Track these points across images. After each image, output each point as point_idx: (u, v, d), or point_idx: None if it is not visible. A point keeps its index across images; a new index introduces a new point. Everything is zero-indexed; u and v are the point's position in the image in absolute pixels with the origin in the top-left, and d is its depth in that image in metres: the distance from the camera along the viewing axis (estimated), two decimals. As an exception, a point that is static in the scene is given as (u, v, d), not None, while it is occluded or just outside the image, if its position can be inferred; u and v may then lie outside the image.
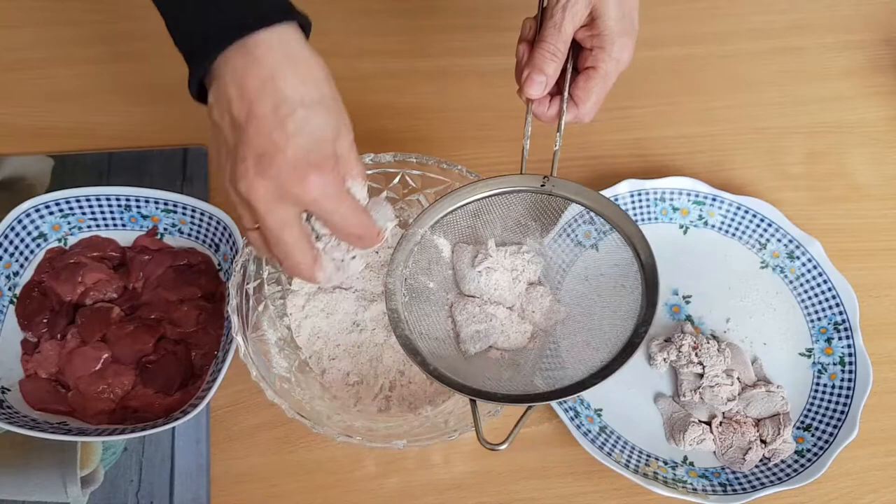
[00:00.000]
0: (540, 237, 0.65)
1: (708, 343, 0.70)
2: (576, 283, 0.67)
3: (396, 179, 0.68)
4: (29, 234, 0.71)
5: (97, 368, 0.67)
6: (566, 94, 0.59)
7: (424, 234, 0.61)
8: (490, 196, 0.62)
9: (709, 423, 0.69)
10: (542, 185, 0.61)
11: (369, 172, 0.64)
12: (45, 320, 0.69)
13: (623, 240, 0.61)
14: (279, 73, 0.48)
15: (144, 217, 0.73)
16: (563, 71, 0.59)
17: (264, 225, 0.50)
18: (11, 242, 0.70)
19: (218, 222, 0.71)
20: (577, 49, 0.59)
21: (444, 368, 0.57)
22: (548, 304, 0.64)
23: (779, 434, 0.67)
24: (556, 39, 0.57)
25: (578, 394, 0.55)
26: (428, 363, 0.57)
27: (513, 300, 0.64)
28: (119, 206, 0.72)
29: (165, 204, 0.72)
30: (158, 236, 0.73)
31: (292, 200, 0.49)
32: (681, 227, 0.79)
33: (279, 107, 0.47)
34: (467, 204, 0.62)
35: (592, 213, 0.61)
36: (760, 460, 0.67)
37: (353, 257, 0.56)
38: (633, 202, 0.78)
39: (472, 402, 0.55)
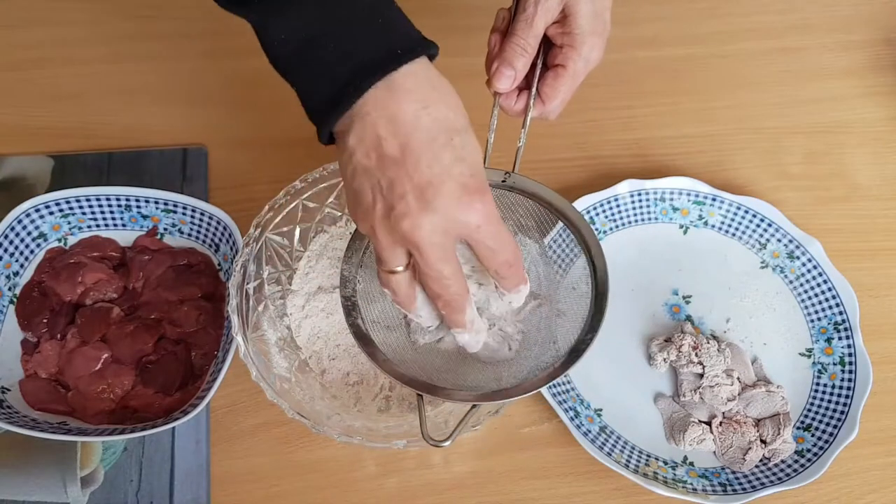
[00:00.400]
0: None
1: (708, 343, 0.70)
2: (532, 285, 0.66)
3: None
4: (29, 234, 0.71)
5: (97, 368, 0.67)
6: (534, 90, 0.59)
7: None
8: None
9: (709, 423, 0.69)
10: (504, 181, 0.61)
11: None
12: (45, 320, 0.69)
13: (580, 244, 0.61)
14: (431, 103, 0.47)
15: (144, 217, 0.73)
16: (533, 66, 0.58)
17: (428, 261, 0.47)
18: (11, 242, 0.70)
19: (218, 222, 0.71)
20: (547, 45, 0.59)
21: (394, 359, 0.56)
22: (503, 302, 0.64)
23: (779, 434, 0.67)
24: (526, 34, 0.56)
25: (520, 397, 0.54)
26: (377, 354, 0.55)
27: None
28: (119, 206, 0.72)
29: (165, 204, 0.72)
30: (158, 236, 0.73)
31: (458, 230, 0.47)
32: (681, 227, 0.79)
33: (436, 137, 0.46)
34: None
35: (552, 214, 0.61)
36: (760, 460, 0.67)
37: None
38: (633, 202, 0.78)
39: (419, 396, 0.54)
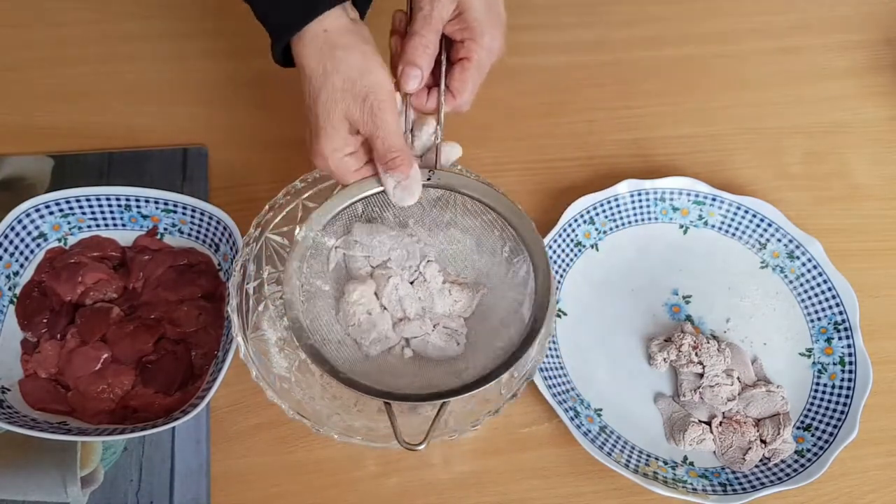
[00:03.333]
0: (431, 229, 0.66)
1: (708, 343, 0.70)
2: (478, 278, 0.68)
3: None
4: (29, 233, 0.71)
5: (97, 368, 0.67)
6: (442, 86, 0.60)
7: (315, 238, 0.61)
8: (378, 193, 0.61)
9: (709, 423, 0.69)
10: (429, 179, 0.61)
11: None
12: (44, 320, 0.69)
13: (516, 237, 0.62)
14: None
15: (144, 217, 0.73)
16: (437, 64, 0.59)
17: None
18: (11, 242, 0.70)
19: (218, 222, 0.71)
20: (448, 43, 0.60)
21: (349, 372, 0.57)
22: (447, 301, 0.65)
23: (779, 434, 0.67)
24: (427, 31, 0.57)
25: (482, 388, 0.56)
26: (338, 371, 0.57)
27: (415, 303, 0.65)
28: (119, 205, 0.72)
29: (165, 204, 0.72)
30: (158, 236, 0.73)
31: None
32: (681, 227, 0.79)
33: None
34: (355, 202, 0.61)
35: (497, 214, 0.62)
36: (760, 460, 0.67)
37: None
38: (632, 202, 0.78)
39: (387, 404, 0.55)
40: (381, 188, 0.60)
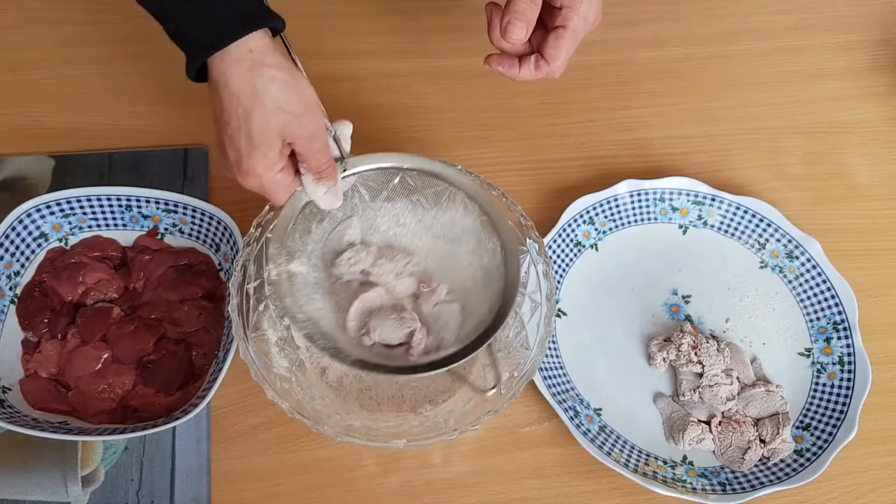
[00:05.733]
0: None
1: (707, 342, 0.70)
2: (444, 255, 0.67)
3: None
4: (30, 234, 0.71)
5: (98, 368, 0.67)
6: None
7: (281, 272, 0.61)
8: (307, 202, 0.62)
9: (708, 423, 0.69)
10: (345, 170, 0.62)
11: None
12: (45, 320, 0.69)
13: (467, 199, 0.63)
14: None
15: (145, 217, 0.73)
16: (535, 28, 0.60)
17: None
18: (12, 242, 0.70)
19: (218, 222, 0.71)
20: (545, 9, 0.61)
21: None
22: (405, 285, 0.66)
23: (778, 433, 0.67)
24: None
25: (467, 358, 0.57)
26: (363, 361, 0.57)
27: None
28: (120, 206, 0.72)
29: (166, 204, 0.72)
30: (159, 236, 0.74)
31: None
32: (680, 227, 0.79)
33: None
34: (296, 218, 0.62)
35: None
36: (760, 460, 0.67)
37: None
38: (632, 202, 0.78)
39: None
40: (308, 198, 0.61)
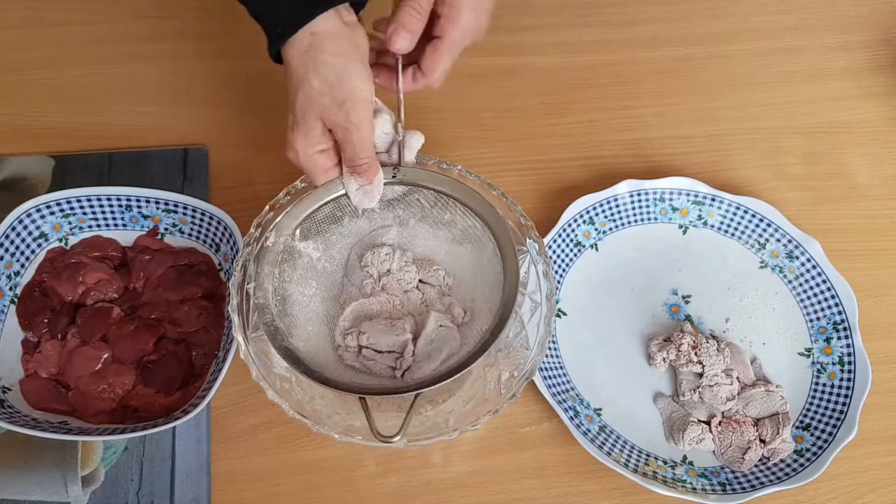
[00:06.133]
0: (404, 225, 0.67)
1: (707, 342, 0.70)
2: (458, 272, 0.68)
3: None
4: (30, 234, 0.71)
5: (98, 368, 0.67)
6: (400, 76, 0.61)
7: (286, 242, 0.61)
8: (345, 194, 0.63)
9: (708, 423, 0.69)
10: (394, 177, 0.63)
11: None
12: (45, 320, 0.69)
13: (483, 228, 0.63)
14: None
15: (145, 217, 0.73)
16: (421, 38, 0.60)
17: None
18: (12, 242, 0.70)
19: (218, 222, 0.71)
20: (430, 17, 0.61)
21: (325, 372, 0.59)
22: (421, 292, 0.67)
23: (778, 433, 0.67)
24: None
25: (455, 376, 0.57)
26: (313, 371, 0.58)
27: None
28: (120, 206, 0.72)
29: (166, 204, 0.72)
30: (159, 236, 0.74)
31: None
32: (680, 227, 0.79)
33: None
34: (323, 205, 0.62)
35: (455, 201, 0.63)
36: (760, 460, 0.67)
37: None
38: (632, 202, 0.78)
39: (362, 399, 0.57)
40: (343, 190, 0.62)
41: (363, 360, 0.63)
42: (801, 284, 0.75)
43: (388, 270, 0.65)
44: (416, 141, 0.63)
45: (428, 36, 0.61)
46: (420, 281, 0.66)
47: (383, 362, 0.62)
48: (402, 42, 0.58)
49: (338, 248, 0.66)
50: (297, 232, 0.63)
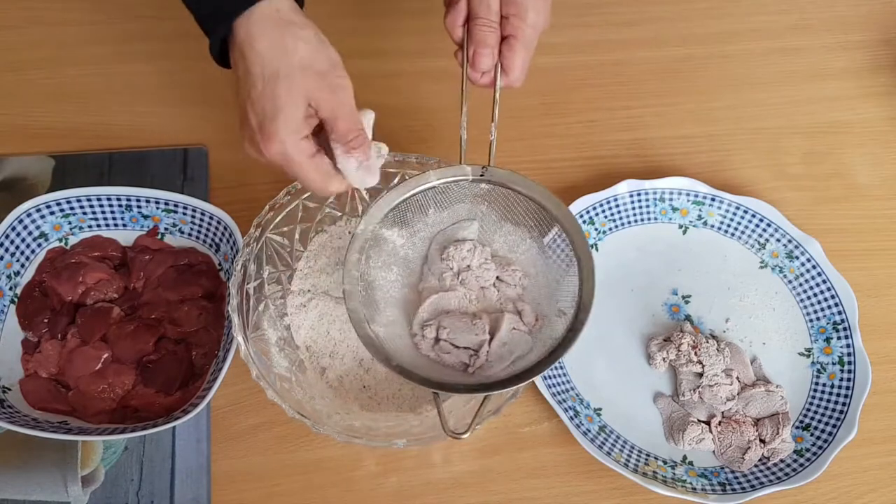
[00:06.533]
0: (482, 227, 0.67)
1: (707, 342, 0.70)
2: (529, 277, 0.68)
3: (396, 179, 0.68)
4: (30, 233, 0.71)
5: (97, 368, 0.67)
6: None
7: (375, 230, 0.61)
8: (433, 187, 0.62)
9: (708, 423, 0.69)
10: (482, 175, 0.62)
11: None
12: (45, 320, 0.69)
13: (563, 234, 0.63)
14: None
15: (145, 217, 0.73)
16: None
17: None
18: (12, 242, 0.70)
19: (218, 222, 0.71)
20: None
21: (404, 363, 0.58)
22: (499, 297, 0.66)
23: (778, 433, 0.67)
24: (488, 13, 0.59)
25: (529, 380, 0.57)
26: (391, 359, 0.58)
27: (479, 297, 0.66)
28: (120, 205, 0.72)
29: (166, 204, 0.72)
30: (159, 236, 0.74)
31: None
32: (680, 227, 0.79)
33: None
34: (415, 194, 0.62)
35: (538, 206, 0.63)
36: (759, 460, 0.67)
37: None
38: (632, 202, 0.78)
39: (435, 394, 0.57)
40: (432, 182, 0.61)
41: (439, 352, 0.62)
42: (801, 284, 0.75)
43: (469, 266, 0.65)
44: (368, 118, 0.60)
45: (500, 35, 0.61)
46: (497, 278, 0.66)
47: (458, 357, 0.61)
48: (486, 60, 0.59)
49: (420, 237, 0.66)
50: (386, 219, 0.62)
